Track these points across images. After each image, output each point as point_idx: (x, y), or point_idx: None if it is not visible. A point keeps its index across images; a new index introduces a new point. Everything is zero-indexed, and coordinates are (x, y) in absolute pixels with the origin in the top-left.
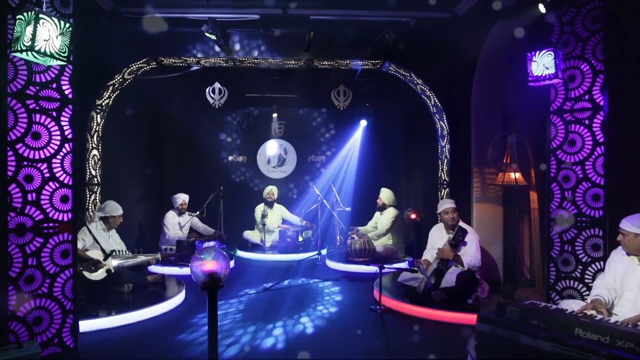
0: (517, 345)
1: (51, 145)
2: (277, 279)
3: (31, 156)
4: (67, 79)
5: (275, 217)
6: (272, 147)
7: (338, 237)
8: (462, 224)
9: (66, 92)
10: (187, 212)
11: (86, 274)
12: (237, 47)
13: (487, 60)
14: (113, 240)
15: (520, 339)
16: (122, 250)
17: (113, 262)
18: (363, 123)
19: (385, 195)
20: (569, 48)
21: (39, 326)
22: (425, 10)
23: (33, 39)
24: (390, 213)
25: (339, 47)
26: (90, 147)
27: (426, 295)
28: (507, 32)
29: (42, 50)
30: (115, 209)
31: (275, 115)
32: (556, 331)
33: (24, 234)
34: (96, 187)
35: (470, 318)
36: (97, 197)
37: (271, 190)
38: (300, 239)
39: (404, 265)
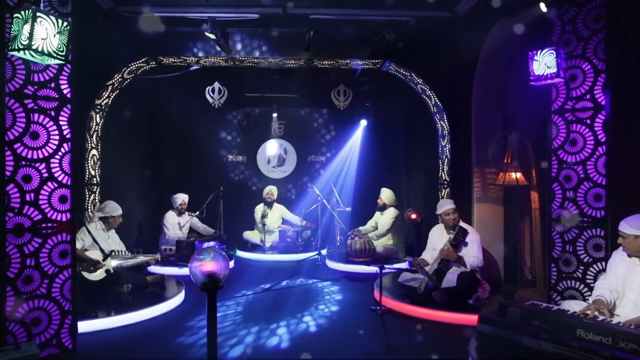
0: (519, 346)
1: (49, 145)
2: (277, 279)
3: (29, 156)
4: (65, 78)
5: (275, 218)
6: (272, 147)
7: (338, 237)
8: (462, 224)
9: (65, 91)
10: (186, 212)
11: (85, 274)
12: (237, 46)
13: (487, 59)
14: (112, 241)
15: (522, 340)
16: (121, 251)
17: (112, 263)
18: (363, 123)
19: (386, 195)
20: (570, 47)
21: (37, 327)
22: (426, 9)
23: (30, 37)
24: (391, 213)
25: (339, 46)
26: (90, 147)
27: (427, 295)
28: (508, 32)
29: (40, 49)
30: (114, 209)
31: (275, 115)
32: (558, 332)
33: (22, 234)
34: (95, 187)
35: (471, 319)
36: (97, 197)
37: (270, 191)
38: (305, 235)
39: (404, 265)
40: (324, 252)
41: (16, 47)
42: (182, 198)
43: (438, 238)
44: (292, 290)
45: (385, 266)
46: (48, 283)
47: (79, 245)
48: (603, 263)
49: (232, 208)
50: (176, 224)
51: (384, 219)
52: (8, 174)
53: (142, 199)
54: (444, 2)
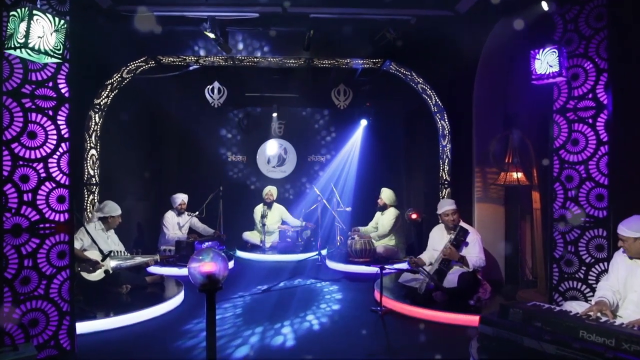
0: (521, 348)
1: (47, 144)
2: (277, 279)
3: (27, 156)
4: (63, 77)
5: (274, 218)
6: (272, 147)
7: (338, 238)
8: (463, 224)
9: (63, 90)
10: (186, 212)
11: (84, 274)
12: (237, 46)
13: (488, 58)
14: (112, 241)
15: (524, 342)
16: (120, 251)
17: (111, 263)
18: (363, 122)
19: (386, 195)
20: (572, 46)
21: (35, 328)
22: (426, 8)
23: (27, 35)
24: (392, 213)
25: (339, 45)
26: (89, 147)
27: (427, 296)
28: (509, 31)
29: (36, 48)
30: (114, 209)
31: (275, 114)
32: (560, 333)
33: (20, 234)
34: (94, 187)
35: (472, 319)
36: (96, 197)
37: (270, 191)
38: (306, 235)
39: (404, 266)
40: (324, 252)
41: (12, 46)
42: (181, 198)
43: (439, 238)
44: (292, 290)
45: (386, 267)
46: (46, 284)
47: (78, 245)
48: (605, 264)
49: (232, 208)
50: (176, 224)
51: (384, 220)
52: (5, 174)
53: (141, 199)
54: (444, 1)
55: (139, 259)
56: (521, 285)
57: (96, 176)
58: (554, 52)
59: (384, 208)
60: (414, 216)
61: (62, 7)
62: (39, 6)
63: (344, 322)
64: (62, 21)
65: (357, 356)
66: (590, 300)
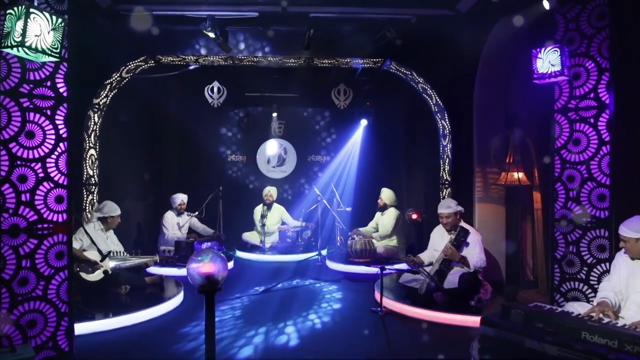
0: (522, 349)
1: (45, 144)
2: (276, 280)
3: (25, 155)
4: (62, 76)
5: (274, 219)
6: (271, 147)
7: (338, 238)
8: (463, 224)
9: (61, 90)
10: (185, 212)
11: (83, 275)
12: (237, 45)
13: (489, 58)
14: (111, 241)
15: (526, 343)
16: (119, 252)
17: (110, 264)
18: (364, 122)
19: (386, 195)
20: (574, 45)
21: (33, 329)
22: (427, 7)
23: (23, 34)
24: (392, 214)
25: (339, 45)
26: (88, 147)
27: (428, 296)
28: (510, 30)
29: (33, 46)
30: (113, 209)
31: (275, 114)
32: (562, 335)
33: (18, 235)
34: (93, 187)
35: (473, 320)
36: (95, 197)
37: (269, 192)
38: (306, 235)
39: (405, 266)
40: (324, 252)
41: (9, 44)
42: (181, 198)
43: (439, 238)
44: (291, 291)
45: (386, 267)
46: (44, 285)
47: (77, 245)
48: (607, 264)
49: (232, 208)
50: (175, 224)
51: (385, 220)
52: (3, 173)
53: (141, 199)
54: (445, 0)
55: (138, 260)
56: (522, 286)
57: (95, 176)
58: (556, 51)
59: (384, 208)
60: (414, 216)
61: (60, 6)
62: (36, 4)
63: (344, 323)
64: (60, 19)
65: (358, 357)
66: (592, 301)
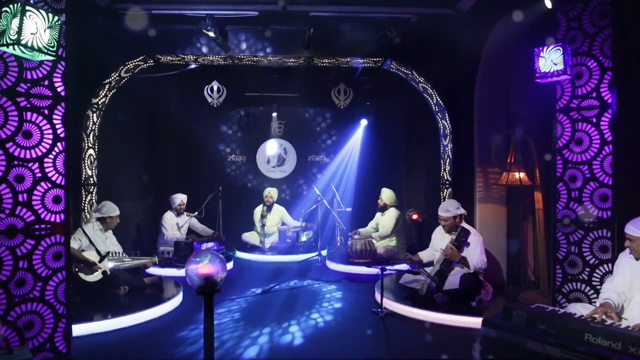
0: (524, 351)
1: (43, 144)
2: (276, 281)
3: (22, 155)
4: (59, 76)
5: (274, 220)
6: (271, 147)
7: (338, 238)
8: (464, 224)
9: (59, 89)
10: (185, 213)
11: (82, 275)
12: (236, 44)
13: (490, 57)
14: (110, 242)
15: (528, 344)
16: (118, 252)
17: (109, 264)
18: (364, 122)
19: (386, 195)
20: (576, 44)
21: (30, 331)
22: (428, 6)
23: (19, 32)
24: (392, 214)
25: (340, 44)
26: (86, 147)
27: (429, 297)
28: (511, 29)
29: (29, 44)
30: (112, 209)
31: (274, 114)
32: (565, 336)
33: (15, 235)
34: (92, 187)
35: (474, 321)
36: (94, 198)
37: (270, 193)
38: (304, 238)
39: (405, 266)
40: (324, 253)
41: (4, 42)
42: (180, 198)
43: (440, 239)
44: (291, 292)
45: (387, 268)
46: (41, 286)
47: (76, 245)
48: (609, 265)
49: (231, 208)
50: (175, 225)
51: (385, 220)
52: (0, 174)
53: (140, 199)
54: None
55: (137, 261)
56: (523, 287)
57: (94, 176)
58: (559, 49)
59: (384, 208)
60: (414, 217)
61: (58, 5)
62: (33, 2)
63: (344, 324)
64: (56, 17)
65: (358, 358)
66: (595, 303)
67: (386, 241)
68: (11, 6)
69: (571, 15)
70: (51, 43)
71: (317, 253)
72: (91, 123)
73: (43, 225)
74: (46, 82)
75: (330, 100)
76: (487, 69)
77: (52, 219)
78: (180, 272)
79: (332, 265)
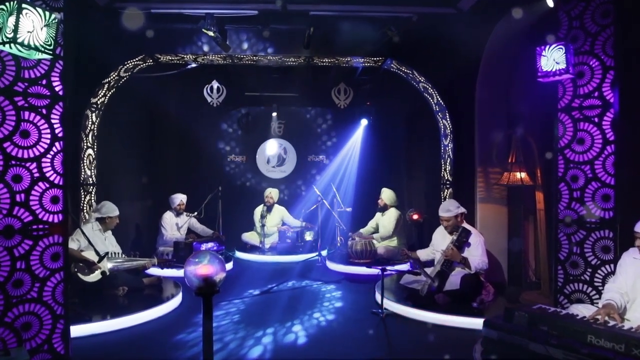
0: (526, 352)
1: (41, 144)
2: (276, 281)
3: (20, 155)
4: (57, 75)
5: (274, 220)
6: (271, 147)
7: (338, 238)
8: (466, 225)
9: (57, 88)
10: (185, 213)
11: (80, 276)
12: (238, 44)
13: (491, 57)
14: (109, 242)
15: (530, 346)
16: (117, 253)
17: (108, 265)
18: (364, 122)
19: (387, 195)
20: (578, 43)
21: (27, 332)
22: (428, 5)
23: (15, 30)
24: (393, 214)
25: (340, 43)
26: (85, 147)
27: (429, 298)
28: (512, 28)
29: (26, 43)
30: (111, 209)
31: (274, 114)
32: (568, 338)
33: (12, 236)
34: (91, 187)
35: (475, 322)
36: (92, 198)
37: (270, 193)
38: (308, 238)
39: (406, 267)
40: (324, 253)
41: (1, 41)
42: (180, 198)
43: (441, 239)
44: (291, 292)
45: (387, 268)
46: (39, 287)
47: (75, 245)
48: (612, 265)
49: (231, 208)
50: (174, 225)
51: (385, 220)
52: None
53: (139, 199)
54: None
55: (136, 262)
56: (524, 287)
57: (93, 176)
58: (561, 48)
59: (384, 209)
60: (415, 217)
61: (56, 3)
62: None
63: (345, 325)
64: (53, 16)
65: (359, 359)
66: (597, 303)
67: (387, 241)
68: (7, 4)
69: (573, 14)
70: (48, 41)
71: (317, 253)
72: (90, 123)
73: (41, 226)
74: (44, 82)
75: (331, 100)
76: (488, 68)
77: (50, 220)
78: (180, 273)
79: (332, 266)
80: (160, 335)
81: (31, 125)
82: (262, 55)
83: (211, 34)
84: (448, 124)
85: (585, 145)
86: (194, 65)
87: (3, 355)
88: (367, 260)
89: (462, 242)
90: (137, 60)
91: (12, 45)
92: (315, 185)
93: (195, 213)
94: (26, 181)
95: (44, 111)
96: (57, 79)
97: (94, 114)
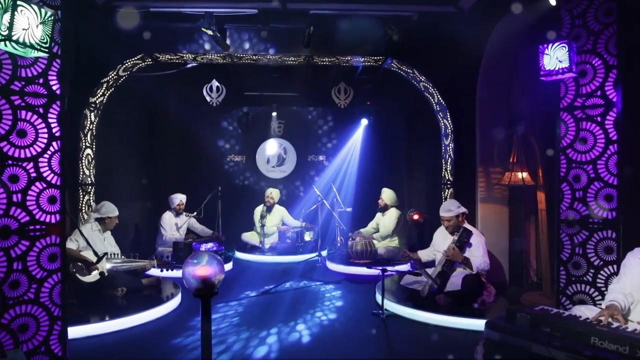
0: (529, 354)
1: (38, 143)
2: (276, 281)
3: (16, 155)
4: (54, 73)
5: (274, 221)
6: (271, 147)
7: (338, 238)
8: (467, 225)
9: (54, 87)
10: (184, 213)
11: (78, 276)
12: (235, 43)
13: (492, 56)
14: (108, 242)
15: (532, 348)
16: (116, 254)
17: (107, 265)
18: (364, 122)
19: (387, 195)
20: (580, 42)
21: (24, 334)
22: (429, 4)
23: (10, 27)
24: (393, 214)
25: (340, 42)
26: (84, 146)
27: (430, 299)
28: (514, 27)
29: (21, 40)
30: (111, 210)
31: (274, 114)
32: (571, 340)
33: (9, 236)
34: (90, 187)
35: (477, 323)
36: (91, 198)
37: (271, 194)
38: (308, 238)
39: (406, 267)
40: (324, 253)
41: None
42: (179, 198)
43: (442, 239)
44: (291, 293)
45: (388, 268)
46: (36, 288)
47: (73, 246)
48: (614, 266)
49: (231, 208)
50: (173, 225)
51: (385, 220)
52: None
53: (138, 199)
54: None
55: (135, 263)
56: (525, 288)
57: (92, 176)
58: (564, 47)
59: (384, 209)
60: (415, 217)
61: (53, 1)
62: None
63: (345, 326)
64: (49, 13)
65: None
66: (599, 305)
67: (387, 241)
68: (2, 1)
69: (575, 12)
70: (44, 39)
71: (317, 254)
72: (89, 122)
73: (38, 226)
74: (41, 80)
75: (331, 100)
76: (489, 67)
77: (47, 220)
78: (179, 273)
79: (333, 266)
80: (160, 337)
81: (28, 124)
82: (261, 54)
83: (210, 32)
84: (449, 123)
85: (588, 144)
86: (193, 64)
87: (0, 357)
88: (368, 260)
89: (463, 242)
90: (136, 60)
91: (7, 42)
92: (315, 185)
93: (195, 213)
94: (23, 181)
95: (41, 110)
96: (55, 77)
97: (92, 114)
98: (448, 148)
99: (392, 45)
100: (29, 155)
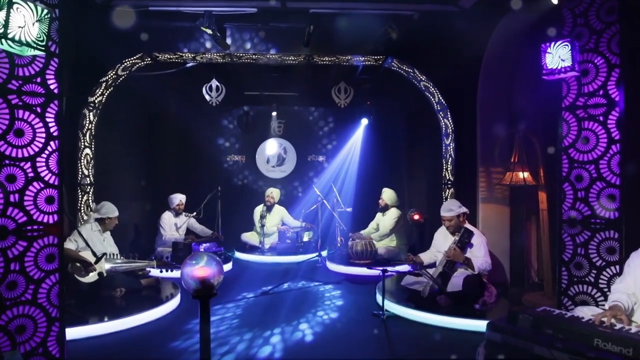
0: (531, 356)
1: (35, 143)
2: (276, 281)
3: (14, 154)
4: (52, 72)
5: (274, 221)
6: (271, 147)
7: (339, 239)
8: (468, 225)
9: (52, 86)
10: (184, 213)
11: (77, 277)
12: (235, 42)
13: (493, 55)
14: (107, 243)
15: (534, 349)
16: (116, 254)
17: (106, 265)
18: (364, 121)
19: (387, 195)
20: (582, 41)
21: (22, 335)
22: (429, 3)
23: (6, 25)
24: (393, 213)
25: (340, 41)
26: (83, 146)
27: (431, 299)
28: (515, 26)
29: (17, 38)
30: (111, 210)
31: (274, 113)
32: (573, 341)
33: (6, 237)
34: (89, 187)
35: (478, 324)
36: (90, 198)
37: (271, 193)
38: (307, 238)
39: (406, 267)
40: (324, 253)
41: None
42: (179, 198)
43: (443, 240)
44: (291, 293)
45: (388, 269)
46: (34, 288)
47: (72, 246)
48: (617, 267)
49: (231, 208)
50: (173, 225)
51: (386, 220)
52: None
53: (137, 199)
54: None
55: (135, 264)
56: (526, 288)
57: (90, 176)
58: (567, 45)
59: (385, 209)
60: (416, 217)
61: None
62: None
63: (345, 327)
64: (45, 11)
65: None
66: (602, 305)
67: (387, 241)
68: None
69: (577, 11)
70: (40, 37)
71: (317, 254)
72: (87, 122)
73: (35, 227)
74: (39, 79)
75: (331, 99)
76: (490, 66)
77: (45, 220)
78: (178, 274)
79: (333, 266)
80: (159, 337)
81: (25, 124)
82: (261, 53)
83: (210, 32)
84: (449, 123)
85: (590, 144)
86: (192, 63)
87: None
88: (368, 260)
89: (464, 242)
90: (135, 59)
91: (3, 40)
92: (315, 186)
93: (195, 213)
94: (20, 181)
95: (38, 109)
96: (53, 76)
97: (91, 113)
98: (449, 148)
99: (392, 44)
100: (26, 154)
